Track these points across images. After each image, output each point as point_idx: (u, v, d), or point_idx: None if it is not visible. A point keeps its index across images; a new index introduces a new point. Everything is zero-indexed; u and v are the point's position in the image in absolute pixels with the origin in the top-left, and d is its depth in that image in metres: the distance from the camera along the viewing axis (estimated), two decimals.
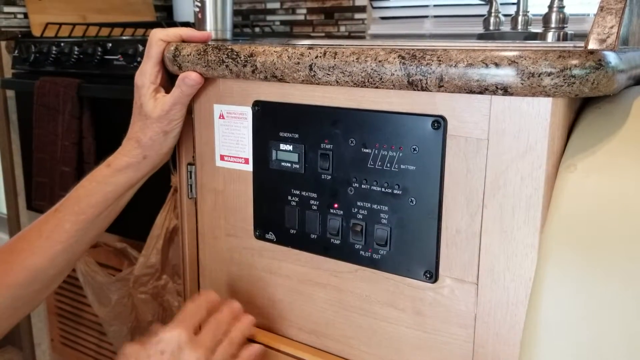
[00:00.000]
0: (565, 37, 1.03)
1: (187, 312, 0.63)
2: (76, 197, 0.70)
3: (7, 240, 1.69)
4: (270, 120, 0.67)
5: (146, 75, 0.70)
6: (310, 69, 0.59)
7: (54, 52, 1.39)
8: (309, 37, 1.63)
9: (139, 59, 1.23)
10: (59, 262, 0.69)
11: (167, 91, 0.71)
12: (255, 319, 0.67)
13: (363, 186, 0.61)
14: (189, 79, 0.68)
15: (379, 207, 0.61)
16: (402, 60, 0.53)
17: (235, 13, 1.75)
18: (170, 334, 0.59)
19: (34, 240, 0.69)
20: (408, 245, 0.60)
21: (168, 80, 0.72)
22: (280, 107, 0.66)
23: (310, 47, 0.60)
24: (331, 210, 0.64)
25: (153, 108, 0.69)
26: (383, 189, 0.60)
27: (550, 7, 1.02)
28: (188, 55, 0.68)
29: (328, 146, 0.63)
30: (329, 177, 0.63)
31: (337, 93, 0.62)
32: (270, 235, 0.70)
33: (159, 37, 0.70)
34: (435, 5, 1.45)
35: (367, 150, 0.60)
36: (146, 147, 0.70)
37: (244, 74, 0.65)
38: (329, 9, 1.59)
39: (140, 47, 1.23)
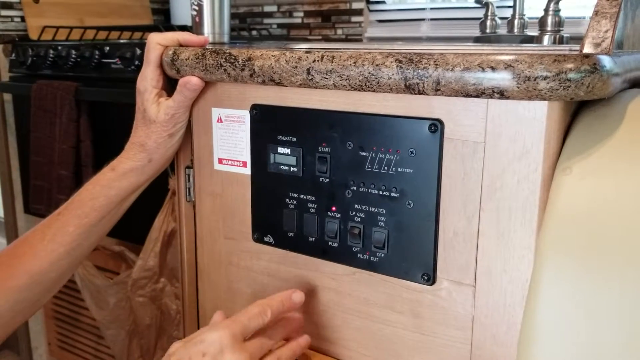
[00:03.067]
0: (561, 40, 1.03)
1: (246, 313, 0.59)
2: (79, 200, 0.70)
3: (5, 244, 1.69)
4: (268, 124, 0.67)
5: (147, 79, 0.70)
6: (308, 73, 0.60)
7: (51, 55, 1.39)
8: (306, 40, 1.63)
9: (136, 62, 1.23)
10: (61, 265, 0.70)
11: (169, 94, 0.71)
12: (310, 339, 0.65)
13: (361, 189, 0.62)
14: (190, 84, 0.68)
15: (376, 210, 0.61)
16: (399, 64, 0.54)
17: (233, 16, 1.75)
18: (214, 335, 0.56)
19: (36, 244, 0.69)
20: (406, 247, 0.60)
21: (168, 83, 0.72)
22: (278, 110, 0.66)
23: (308, 51, 0.60)
24: (329, 213, 0.64)
25: (157, 112, 0.69)
26: (380, 192, 0.60)
27: (546, 10, 1.03)
28: (186, 60, 0.68)
29: (326, 149, 0.63)
30: (327, 180, 0.64)
31: (335, 97, 0.62)
32: (269, 238, 0.70)
33: (156, 41, 0.70)
34: (431, 9, 1.45)
35: (364, 154, 0.61)
36: (151, 150, 0.70)
37: (242, 78, 0.65)
38: (326, 12, 1.59)
39: (138, 51, 1.23)
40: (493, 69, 0.49)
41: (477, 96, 0.51)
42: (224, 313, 0.63)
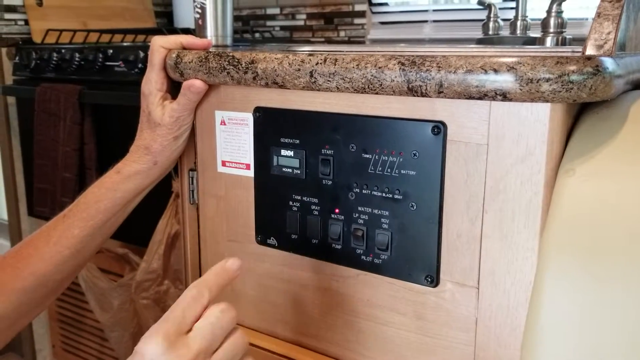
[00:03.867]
0: (563, 42, 1.03)
1: (180, 304, 0.50)
2: (85, 203, 0.71)
3: (9, 246, 1.69)
4: (271, 126, 0.67)
5: (152, 82, 0.71)
6: (311, 76, 0.60)
7: (54, 58, 1.39)
8: (308, 42, 1.63)
9: (139, 65, 1.23)
10: (65, 267, 0.70)
11: (173, 96, 0.71)
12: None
13: (364, 191, 0.62)
14: (194, 87, 0.68)
15: (379, 212, 0.61)
16: (402, 67, 0.54)
17: (235, 19, 1.75)
18: (146, 346, 0.47)
19: (41, 246, 0.69)
20: (409, 249, 0.60)
21: (173, 86, 0.73)
22: (281, 113, 0.66)
23: (311, 53, 0.60)
24: (332, 216, 0.64)
25: (162, 115, 0.70)
26: (384, 194, 0.60)
27: (549, 11, 1.03)
28: (190, 63, 0.68)
29: (329, 152, 0.63)
30: (330, 182, 0.64)
31: (338, 99, 0.62)
32: (272, 241, 0.70)
33: (160, 44, 0.71)
34: (434, 10, 1.45)
35: (367, 156, 0.61)
36: (156, 153, 0.71)
37: (245, 81, 0.65)
38: (328, 14, 1.60)
39: (141, 54, 1.23)
40: (496, 71, 0.49)
41: (479, 98, 0.51)
42: (196, 286, 0.52)
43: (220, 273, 0.54)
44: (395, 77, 0.54)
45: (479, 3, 1.19)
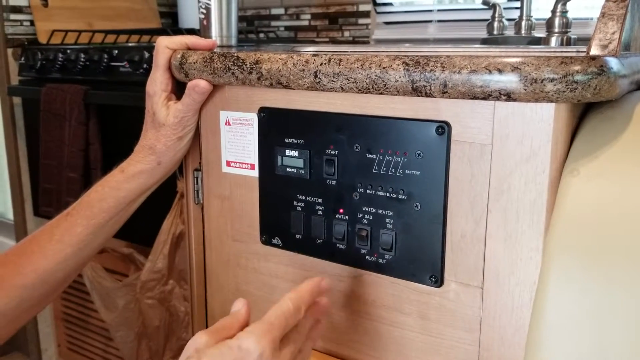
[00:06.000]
0: (568, 42, 1.03)
1: (282, 314, 0.53)
2: (88, 201, 0.71)
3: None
4: (275, 127, 0.67)
5: (157, 83, 0.71)
6: (315, 76, 0.60)
7: (60, 59, 1.40)
8: (313, 42, 1.64)
9: (144, 65, 1.24)
10: (68, 265, 0.70)
11: (178, 97, 0.72)
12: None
13: (368, 191, 0.62)
14: (198, 87, 0.69)
15: (384, 212, 0.61)
16: (406, 67, 0.54)
17: (240, 19, 1.76)
18: (252, 343, 0.50)
19: (44, 243, 0.69)
20: (413, 249, 0.60)
21: (178, 87, 0.73)
22: (286, 113, 0.66)
23: (315, 54, 0.61)
24: (337, 216, 0.64)
25: (166, 115, 0.70)
26: (388, 194, 0.60)
27: (554, 11, 1.03)
28: (194, 63, 0.69)
29: (333, 152, 0.63)
30: (334, 182, 0.64)
31: (342, 99, 0.62)
32: (276, 241, 0.70)
33: (165, 45, 0.71)
34: (439, 10, 1.45)
35: (372, 156, 0.61)
36: (160, 153, 0.71)
37: (250, 81, 0.65)
38: (333, 15, 1.60)
39: (146, 54, 1.24)
40: (500, 71, 0.49)
41: (484, 98, 0.51)
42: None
43: (315, 292, 0.57)
44: (400, 77, 0.54)
45: (484, 3, 1.19)
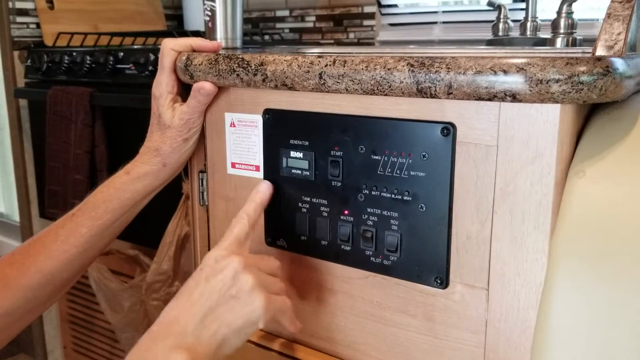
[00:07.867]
0: (574, 43, 1.03)
1: (239, 233, 0.62)
2: (93, 202, 0.71)
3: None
4: (280, 128, 0.68)
5: (162, 85, 0.71)
6: (320, 77, 0.60)
7: (66, 61, 1.40)
8: (318, 44, 1.64)
9: (150, 67, 1.24)
10: (73, 266, 0.70)
11: (183, 99, 0.72)
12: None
13: (373, 193, 0.62)
14: (203, 89, 0.69)
15: (389, 213, 0.61)
16: (411, 68, 0.54)
17: (245, 21, 1.76)
18: (230, 261, 0.59)
19: (49, 244, 0.70)
20: (418, 251, 0.60)
21: (183, 89, 0.73)
22: (291, 115, 0.66)
23: (320, 55, 0.61)
24: (342, 217, 0.64)
25: (172, 117, 0.70)
26: (393, 196, 0.60)
27: (559, 12, 1.03)
28: (199, 65, 0.69)
29: (338, 153, 0.63)
30: (339, 184, 0.64)
31: (347, 101, 0.62)
32: (282, 242, 0.70)
33: (170, 47, 0.71)
34: (444, 12, 1.45)
35: (376, 157, 0.61)
36: (166, 155, 0.71)
37: (255, 83, 0.65)
38: (338, 16, 1.60)
39: (152, 56, 1.24)
40: (505, 72, 0.49)
41: (489, 99, 0.51)
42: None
43: (255, 197, 0.66)
44: (405, 78, 0.54)
45: (489, 4, 1.19)
